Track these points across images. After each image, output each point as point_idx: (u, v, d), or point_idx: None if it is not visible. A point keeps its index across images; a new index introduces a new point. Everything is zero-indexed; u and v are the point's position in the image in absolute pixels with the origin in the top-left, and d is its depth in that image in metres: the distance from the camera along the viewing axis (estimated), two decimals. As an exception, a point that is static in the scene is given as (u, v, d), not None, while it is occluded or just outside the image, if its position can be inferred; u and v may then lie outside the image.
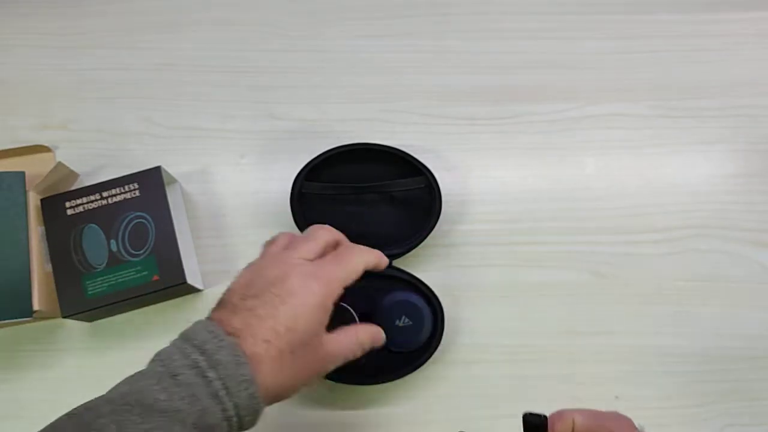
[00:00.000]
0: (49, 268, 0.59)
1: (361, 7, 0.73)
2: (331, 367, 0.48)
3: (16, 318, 0.57)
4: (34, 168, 0.62)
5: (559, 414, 0.42)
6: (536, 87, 0.70)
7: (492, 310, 0.62)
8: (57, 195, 0.61)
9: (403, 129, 0.68)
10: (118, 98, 0.70)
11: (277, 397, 0.45)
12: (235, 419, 0.41)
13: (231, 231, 0.65)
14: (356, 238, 0.61)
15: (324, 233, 0.51)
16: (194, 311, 0.62)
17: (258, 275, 0.47)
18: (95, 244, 0.59)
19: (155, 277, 0.58)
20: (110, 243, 0.59)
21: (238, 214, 0.66)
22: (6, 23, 0.73)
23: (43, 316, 0.59)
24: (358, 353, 0.50)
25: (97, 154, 0.67)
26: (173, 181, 0.65)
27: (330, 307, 0.47)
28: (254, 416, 0.43)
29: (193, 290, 0.62)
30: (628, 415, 0.59)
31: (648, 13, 0.73)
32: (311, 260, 0.48)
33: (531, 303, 0.62)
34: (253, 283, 0.46)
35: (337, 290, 0.47)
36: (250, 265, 0.49)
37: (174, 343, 0.44)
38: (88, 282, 0.58)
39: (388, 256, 0.61)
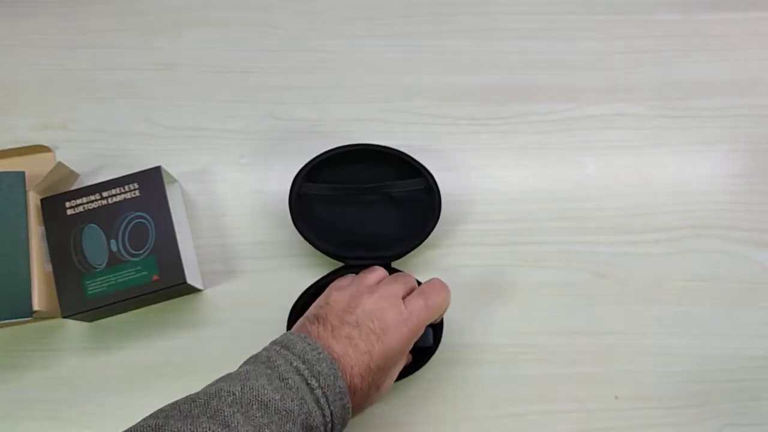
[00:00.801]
0: (49, 268, 0.59)
1: (361, 7, 0.73)
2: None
3: (16, 318, 0.57)
4: (34, 168, 0.62)
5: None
6: (536, 87, 0.70)
7: (492, 310, 0.62)
8: (57, 195, 0.61)
9: (403, 129, 0.68)
10: (118, 98, 0.70)
11: (353, 414, 0.49)
12: (330, 425, 0.45)
13: (231, 231, 0.65)
14: (355, 239, 0.61)
15: (411, 279, 0.55)
16: (194, 311, 0.62)
17: (356, 303, 0.50)
18: (95, 244, 0.59)
19: (155, 277, 0.58)
20: (110, 243, 0.59)
21: (238, 214, 0.66)
22: (6, 23, 0.73)
23: (43, 316, 0.59)
24: None
25: (97, 154, 0.67)
26: (173, 181, 0.65)
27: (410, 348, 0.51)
28: (343, 426, 0.47)
29: (193, 290, 0.62)
30: (629, 415, 0.60)
31: (648, 13, 0.73)
32: (402, 299, 0.52)
33: (531, 303, 0.62)
34: (351, 310, 0.49)
35: (421, 332, 0.52)
36: (344, 288, 0.53)
37: (271, 349, 0.47)
38: (88, 282, 0.58)
39: (387, 257, 0.61)
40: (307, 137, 0.68)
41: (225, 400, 0.41)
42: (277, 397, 0.42)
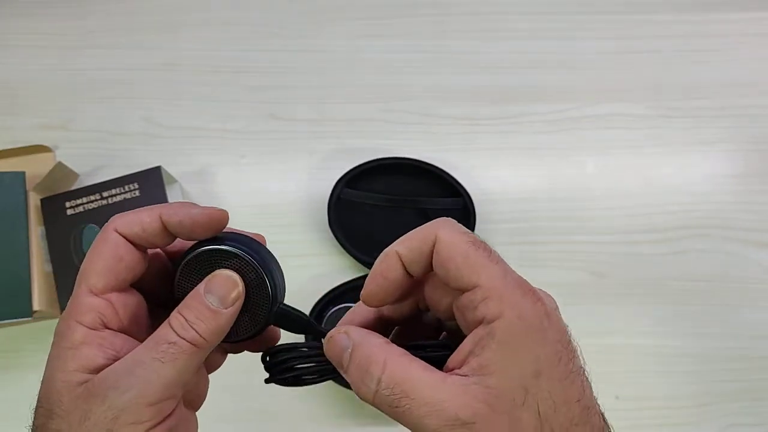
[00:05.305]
0: (49, 268, 0.59)
1: (361, 7, 0.73)
2: None
3: (16, 318, 0.57)
4: (34, 168, 0.62)
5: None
6: (536, 87, 0.70)
7: (492, 310, 0.62)
8: (57, 195, 0.61)
9: (403, 129, 0.68)
10: (118, 98, 0.70)
11: None
12: None
13: (231, 231, 0.65)
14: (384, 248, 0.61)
15: None
16: (194, 311, 0.62)
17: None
18: (95, 244, 0.59)
19: (155, 277, 0.58)
20: (110, 243, 0.59)
21: (238, 214, 0.65)
22: (6, 23, 0.73)
23: (43, 316, 0.59)
24: None
25: (97, 154, 0.67)
26: (173, 181, 0.65)
27: None
28: None
29: (193, 290, 0.61)
30: (629, 415, 0.59)
31: (648, 13, 0.73)
32: None
33: (531, 303, 0.62)
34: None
35: None
36: None
37: None
38: (88, 282, 0.58)
39: None
40: (307, 137, 0.68)
41: None
42: None
